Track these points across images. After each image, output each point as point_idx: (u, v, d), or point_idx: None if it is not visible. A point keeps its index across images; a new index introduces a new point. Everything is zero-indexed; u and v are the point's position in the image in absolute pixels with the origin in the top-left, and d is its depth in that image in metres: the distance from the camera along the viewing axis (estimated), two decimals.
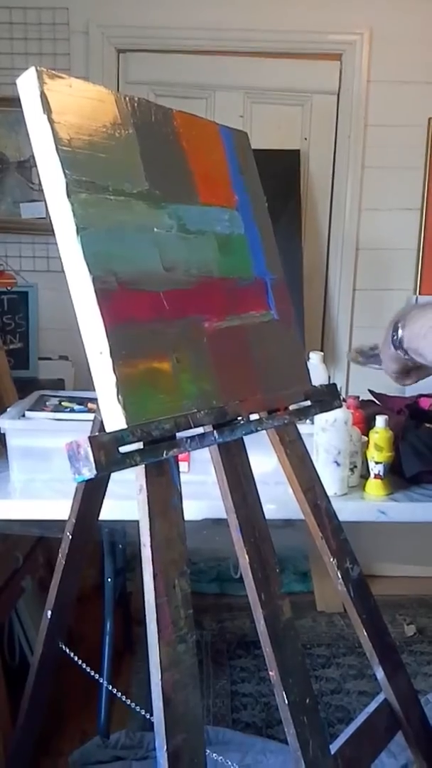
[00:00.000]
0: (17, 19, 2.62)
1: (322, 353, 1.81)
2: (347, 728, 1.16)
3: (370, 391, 2.05)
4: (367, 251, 2.82)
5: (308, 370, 1.26)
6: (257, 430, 1.06)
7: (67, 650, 1.39)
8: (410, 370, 1.16)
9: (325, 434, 1.56)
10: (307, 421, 1.56)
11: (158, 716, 0.84)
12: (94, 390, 0.87)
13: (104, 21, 2.63)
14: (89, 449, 0.80)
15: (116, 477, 0.95)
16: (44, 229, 2.58)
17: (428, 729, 1.27)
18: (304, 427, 1.30)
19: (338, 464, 1.57)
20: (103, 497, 1.24)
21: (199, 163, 1.11)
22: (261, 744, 1.84)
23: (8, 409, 1.65)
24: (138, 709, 1.46)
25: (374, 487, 1.61)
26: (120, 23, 2.64)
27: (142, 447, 0.86)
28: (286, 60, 2.73)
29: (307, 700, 1.00)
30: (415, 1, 2.64)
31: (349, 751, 1.10)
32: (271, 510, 1.12)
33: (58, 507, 1.38)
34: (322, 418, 1.54)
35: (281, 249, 1.24)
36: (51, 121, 0.87)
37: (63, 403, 1.71)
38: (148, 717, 1.08)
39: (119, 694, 1.51)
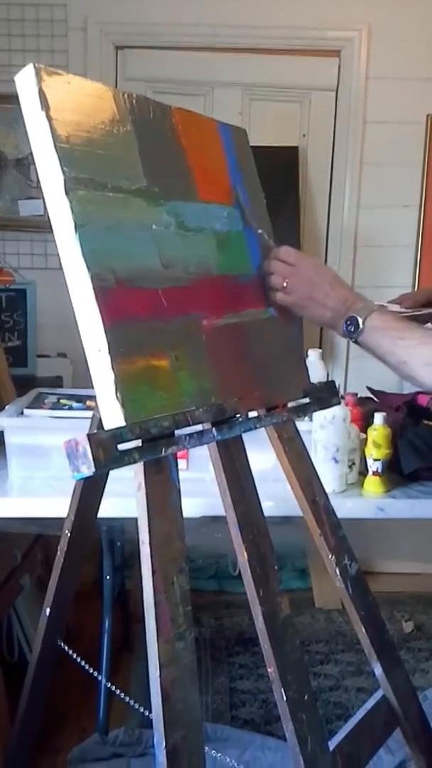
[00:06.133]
0: (15, 15, 2.62)
1: (321, 350, 1.81)
2: (346, 725, 1.16)
3: (369, 389, 2.05)
4: (366, 248, 2.82)
5: (307, 367, 1.26)
6: (256, 428, 1.06)
7: (66, 648, 1.39)
8: None
9: (323, 431, 1.56)
10: (306, 418, 1.56)
11: (157, 713, 0.84)
12: (92, 387, 0.86)
13: (102, 18, 2.63)
14: (88, 447, 0.80)
15: (115, 474, 0.95)
16: (42, 226, 2.58)
17: (426, 725, 1.27)
18: (302, 424, 1.30)
19: (336, 461, 1.57)
20: (102, 495, 1.24)
21: (197, 159, 1.11)
22: (260, 740, 1.84)
23: (6, 407, 1.65)
24: (137, 707, 1.46)
25: (372, 484, 1.61)
26: (118, 20, 2.64)
27: (140, 444, 0.86)
28: (285, 57, 2.73)
29: (306, 697, 1.00)
30: None
31: (348, 747, 1.10)
32: (269, 507, 1.12)
33: (57, 504, 1.37)
34: (320, 416, 1.54)
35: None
36: (49, 118, 0.87)
37: (61, 401, 1.71)
38: (146, 714, 1.08)
39: (118, 692, 1.51)
